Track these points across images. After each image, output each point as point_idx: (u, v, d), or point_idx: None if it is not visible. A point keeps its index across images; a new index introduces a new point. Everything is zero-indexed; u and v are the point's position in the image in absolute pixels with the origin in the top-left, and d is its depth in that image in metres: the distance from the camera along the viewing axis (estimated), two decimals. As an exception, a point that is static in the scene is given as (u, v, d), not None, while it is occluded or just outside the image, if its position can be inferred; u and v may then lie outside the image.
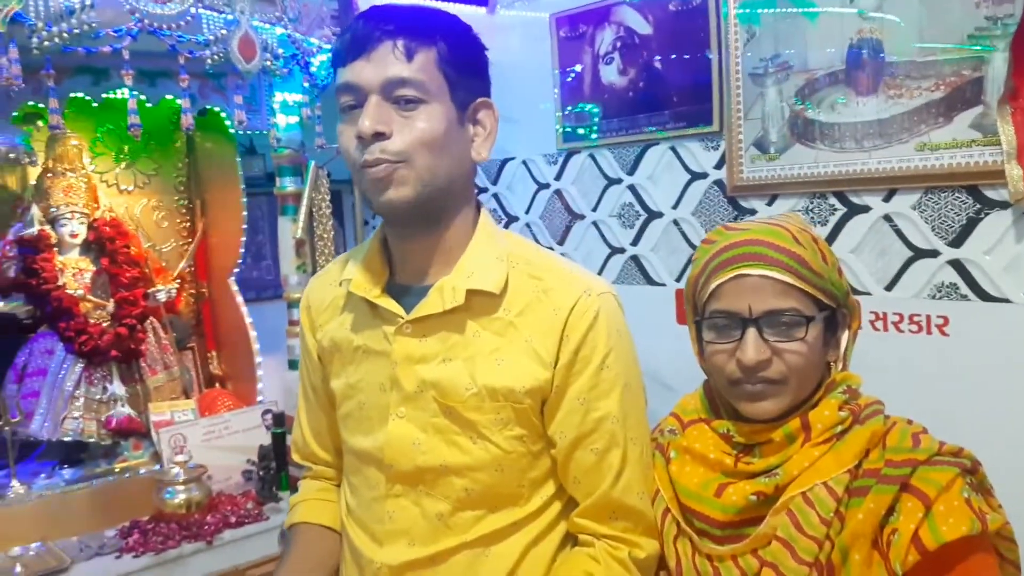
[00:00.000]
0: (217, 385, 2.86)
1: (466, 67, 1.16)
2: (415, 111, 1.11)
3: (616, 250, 2.28)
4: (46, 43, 1.51)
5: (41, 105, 2.07)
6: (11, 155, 1.95)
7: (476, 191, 1.27)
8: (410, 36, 1.11)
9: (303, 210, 2.31)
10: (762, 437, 1.14)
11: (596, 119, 2.28)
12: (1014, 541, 1.13)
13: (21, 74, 1.51)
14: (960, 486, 1.04)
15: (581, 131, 2.33)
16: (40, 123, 2.36)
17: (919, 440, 1.09)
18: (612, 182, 2.28)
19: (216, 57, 1.78)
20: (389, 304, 1.19)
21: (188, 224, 2.93)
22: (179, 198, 2.90)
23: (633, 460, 1.20)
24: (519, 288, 1.19)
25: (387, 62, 1.10)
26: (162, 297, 2.58)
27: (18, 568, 2.05)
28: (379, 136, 1.09)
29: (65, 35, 1.52)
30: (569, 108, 2.35)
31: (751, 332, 1.11)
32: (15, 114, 2.09)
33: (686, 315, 1.26)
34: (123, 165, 2.73)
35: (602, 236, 2.31)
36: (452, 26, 1.16)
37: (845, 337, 1.20)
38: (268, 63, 1.92)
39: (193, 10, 1.70)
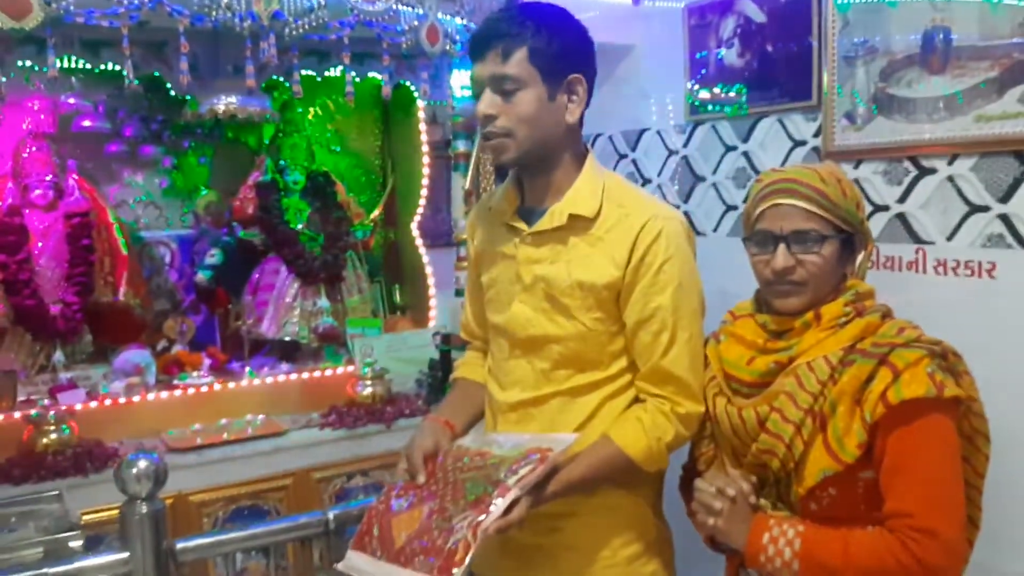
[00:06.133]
0: (398, 313, 3.47)
1: (555, 54, 1.49)
2: (514, 97, 1.50)
3: (730, 207, 2.65)
4: (293, 33, 2.10)
5: (279, 78, 2.72)
6: (264, 115, 2.59)
7: (583, 142, 1.64)
8: (506, 41, 1.47)
9: (471, 167, 2.83)
10: (787, 325, 1.46)
11: (718, 95, 2.68)
12: (983, 416, 1.41)
13: (277, 55, 2.11)
14: (926, 363, 1.31)
15: (706, 105, 2.72)
16: (275, 94, 3.04)
17: (903, 330, 1.38)
18: (729, 149, 2.65)
19: (409, 43, 2.32)
20: (517, 223, 1.63)
21: (380, 180, 3.55)
22: (374, 158, 3.52)
23: (680, 341, 1.53)
24: (609, 213, 1.55)
25: (491, 63, 1.49)
26: (359, 236, 3.22)
27: (249, 430, 2.72)
28: (491, 117, 1.52)
29: (306, 27, 2.10)
30: (696, 86, 2.75)
31: (781, 246, 1.42)
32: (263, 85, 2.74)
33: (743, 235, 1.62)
34: (334, 130, 3.40)
35: (719, 195, 2.69)
36: (542, 24, 1.49)
37: (861, 256, 1.50)
38: (448, 48, 2.45)
39: (394, 6, 2.24)
